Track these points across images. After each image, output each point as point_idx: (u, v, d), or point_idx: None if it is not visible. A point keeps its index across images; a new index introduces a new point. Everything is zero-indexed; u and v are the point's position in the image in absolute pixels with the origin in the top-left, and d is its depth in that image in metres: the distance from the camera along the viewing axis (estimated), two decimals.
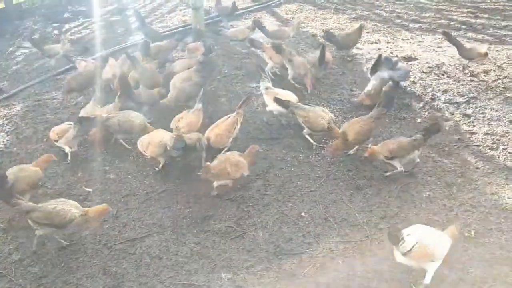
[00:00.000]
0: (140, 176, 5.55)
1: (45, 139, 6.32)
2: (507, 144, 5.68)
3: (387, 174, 5.22)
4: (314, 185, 5.18)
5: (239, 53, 8.70)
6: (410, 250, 3.64)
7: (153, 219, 4.90)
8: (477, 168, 5.29)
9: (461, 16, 10.25)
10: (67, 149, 5.79)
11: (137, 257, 4.47)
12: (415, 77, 7.40)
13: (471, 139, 5.87)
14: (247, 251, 4.43)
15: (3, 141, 6.37)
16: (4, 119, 6.94)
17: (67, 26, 11.22)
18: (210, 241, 4.58)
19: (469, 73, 7.40)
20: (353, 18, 10.48)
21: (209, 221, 4.81)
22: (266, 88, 6.33)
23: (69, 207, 4.48)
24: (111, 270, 4.36)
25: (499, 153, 5.55)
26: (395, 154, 5.02)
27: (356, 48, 8.74)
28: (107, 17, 11.56)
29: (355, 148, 5.60)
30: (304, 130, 5.85)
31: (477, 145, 5.72)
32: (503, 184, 5.01)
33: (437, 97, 6.81)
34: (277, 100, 5.98)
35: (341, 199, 4.96)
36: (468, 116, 6.35)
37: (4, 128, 6.70)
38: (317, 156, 5.67)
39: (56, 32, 10.91)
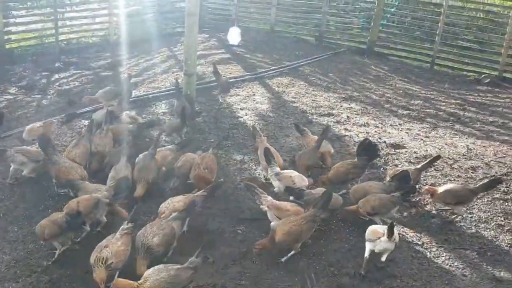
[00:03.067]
0: None
1: None
2: (495, 251, 5.45)
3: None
4: (293, 279, 4.83)
5: (228, 123, 8.60)
6: None
7: None
8: (464, 275, 5.02)
9: (450, 107, 10.43)
10: None
11: None
12: (402, 166, 7.26)
13: (458, 240, 5.64)
14: None
15: None
16: None
17: (56, 76, 11.12)
18: None
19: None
20: (343, 98, 10.58)
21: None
22: (276, 174, 6.02)
23: None
24: None
25: (487, 259, 5.31)
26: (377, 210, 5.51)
27: (345, 129, 8.73)
28: (99, 71, 11.52)
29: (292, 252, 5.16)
30: None
31: (464, 248, 5.48)
32: None
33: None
34: (290, 190, 5.84)
35: None
36: (455, 215, 6.17)
37: None
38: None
39: (44, 80, 10.79)
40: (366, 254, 4.92)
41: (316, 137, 7.07)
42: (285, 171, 6.23)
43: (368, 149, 6.48)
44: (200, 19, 15.57)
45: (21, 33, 13.07)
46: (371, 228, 5.05)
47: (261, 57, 13.45)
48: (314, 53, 14.03)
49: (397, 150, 7.91)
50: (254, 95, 10.31)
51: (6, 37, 11.96)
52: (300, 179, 6.00)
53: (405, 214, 6.09)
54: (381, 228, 4.93)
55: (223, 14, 16.85)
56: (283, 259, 5.10)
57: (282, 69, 12.32)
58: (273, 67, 12.32)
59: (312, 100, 10.33)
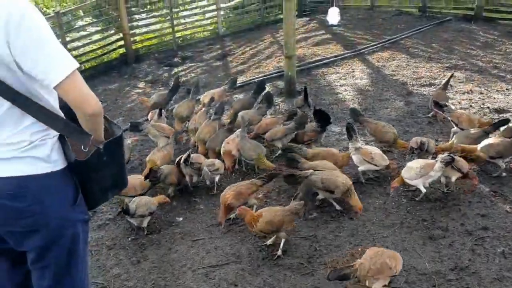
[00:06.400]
0: None
1: None
2: None
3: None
4: (386, 232, 5.33)
5: (327, 99, 9.15)
6: None
7: (233, 249, 5.38)
8: None
9: None
10: None
11: (215, 282, 4.95)
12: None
13: None
14: (315, 287, 4.71)
15: None
16: None
17: (175, 69, 12.61)
18: (282, 275, 4.93)
19: None
20: (446, 67, 10.46)
21: (282, 256, 5.19)
22: (357, 149, 6.21)
23: None
24: None
25: None
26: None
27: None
28: (210, 62, 12.77)
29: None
30: None
31: None
32: None
33: None
34: None
35: (412, 248, 5.05)
36: None
37: None
38: (393, 203, 5.82)
39: (165, 74, 12.32)
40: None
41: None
42: (367, 146, 6.43)
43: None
44: (301, 3, 16.25)
45: (143, 34, 14.89)
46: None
47: (361, 34, 13.66)
48: (417, 25, 13.85)
49: (501, 115, 7.81)
50: (353, 71, 10.68)
51: (132, 39, 13.78)
52: (380, 157, 6.11)
53: (504, 174, 6.15)
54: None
55: None
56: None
57: (382, 44, 12.44)
58: (373, 43, 12.50)
59: (413, 72, 10.41)
